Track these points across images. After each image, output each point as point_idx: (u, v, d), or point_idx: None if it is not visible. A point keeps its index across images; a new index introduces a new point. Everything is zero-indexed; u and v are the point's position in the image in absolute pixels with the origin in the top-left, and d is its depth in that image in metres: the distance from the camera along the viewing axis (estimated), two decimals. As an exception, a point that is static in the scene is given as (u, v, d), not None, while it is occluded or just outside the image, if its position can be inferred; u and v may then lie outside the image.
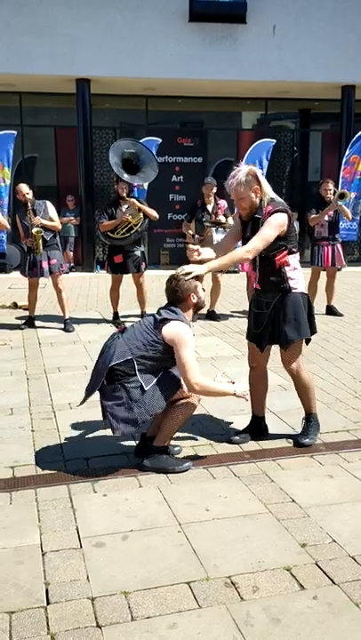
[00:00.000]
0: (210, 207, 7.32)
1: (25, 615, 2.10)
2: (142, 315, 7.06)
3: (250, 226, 3.45)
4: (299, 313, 3.44)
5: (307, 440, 3.56)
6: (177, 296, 3.25)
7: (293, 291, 3.43)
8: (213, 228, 7.07)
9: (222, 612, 2.13)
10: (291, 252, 3.42)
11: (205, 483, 3.10)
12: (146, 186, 11.24)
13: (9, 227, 7.18)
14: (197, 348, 5.88)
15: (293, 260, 3.44)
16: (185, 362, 3.11)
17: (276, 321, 3.45)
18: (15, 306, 8.03)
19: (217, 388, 3.26)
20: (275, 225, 3.28)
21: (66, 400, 4.36)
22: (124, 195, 6.82)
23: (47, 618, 2.09)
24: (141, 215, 6.76)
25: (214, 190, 7.29)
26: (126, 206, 6.80)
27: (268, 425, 3.74)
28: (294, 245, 3.45)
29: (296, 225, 3.96)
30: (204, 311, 7.26)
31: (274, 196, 3.41)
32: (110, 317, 7.21)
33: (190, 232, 7.34)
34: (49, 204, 6.76)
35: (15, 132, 9.98)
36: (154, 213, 6.91)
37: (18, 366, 5.27)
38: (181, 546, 2.52)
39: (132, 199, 6.82)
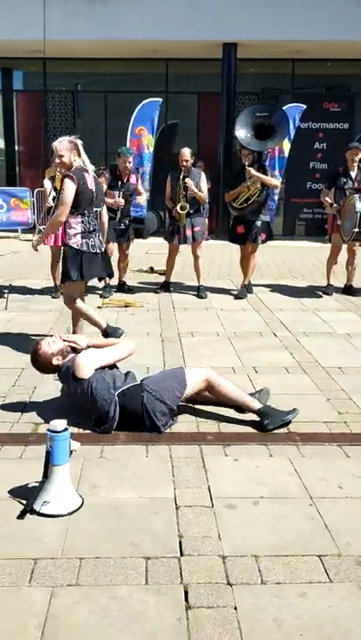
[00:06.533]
0: (353, 174, 6.93)
1: (160, 563, 2.22)
2: (247, 285, 6.91)
3: None
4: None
5: None
6: (45, 370, 3.53)
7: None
8: (356, 195, 6.68)
9: (354, 589, 2.09)
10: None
11: (339, 460, 3.03)
12: (287, 153, 10.98)
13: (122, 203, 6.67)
14: (332, 322, 5.72)
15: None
16: (107, 359, 3.43)
17: None
18: (152, 270, 8.29)
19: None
20: None
21: (198, 364, 4.44)
22: (247, 163, 6.60)
23: (180, 569, 2.19)
24: (258, 185, 6.51)
25: (360, 156, 6.90)
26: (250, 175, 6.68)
27: None
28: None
29: None
30: (340, 285, 7.02)
31: None
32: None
33: (329, 200, 7.04)
34: (204, 176, 6.71)
35: (161, 100, 10.13)
36: (273, 182, 6.70)
37: (153, 328, 5.46)
38: (313, 519, 2.50)
39: (249, 168, 6.56)
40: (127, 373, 3.46)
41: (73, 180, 4.38)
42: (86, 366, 3.32)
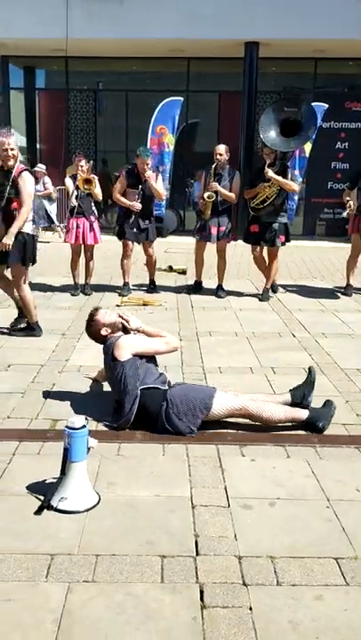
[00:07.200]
0: None
1: (176, 562, 2.22)
2: (274, 288, 6.82)
3: None
4: None
5: None
6: (95, 338, 3.64)
7: None
8: None
9: (371, 593, 2.08)
10: None
11: (357, 462, 3.01)
12: (308, 153, 10.92)
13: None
14: (352, 323, 5.67)
15: None
16: (146, 349, 3.47)
17: None
18: (170, 269, 8.29)
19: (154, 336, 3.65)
20: None
21: (216, 364, 4.46)
22: (268, 162, 6.44)
23: (196, 568, 2.19)
24: (275, 188, 6.35)
25: None
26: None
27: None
28: None
29: None
30: (360, 285, 6.97)
31: None
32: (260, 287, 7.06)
33: (350, 200, 6.98)
34: (238, 175, 6.61)
35: (182, 99, 10.12)
36: (292, 186, 6.47)
37: (172, 327, 5.45)
38: (330, 521, 2.49)
39: (267, 169, 6.35)
40: (161, 374, 3.49)
41: (31, 174, 4.82)
42: (126, 348, 3.40)
